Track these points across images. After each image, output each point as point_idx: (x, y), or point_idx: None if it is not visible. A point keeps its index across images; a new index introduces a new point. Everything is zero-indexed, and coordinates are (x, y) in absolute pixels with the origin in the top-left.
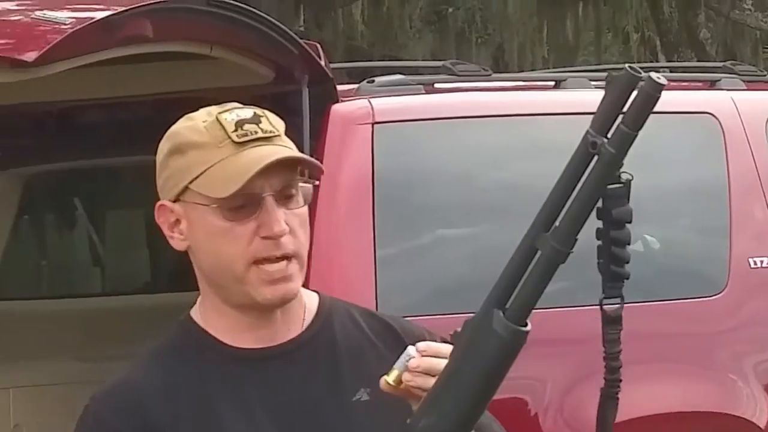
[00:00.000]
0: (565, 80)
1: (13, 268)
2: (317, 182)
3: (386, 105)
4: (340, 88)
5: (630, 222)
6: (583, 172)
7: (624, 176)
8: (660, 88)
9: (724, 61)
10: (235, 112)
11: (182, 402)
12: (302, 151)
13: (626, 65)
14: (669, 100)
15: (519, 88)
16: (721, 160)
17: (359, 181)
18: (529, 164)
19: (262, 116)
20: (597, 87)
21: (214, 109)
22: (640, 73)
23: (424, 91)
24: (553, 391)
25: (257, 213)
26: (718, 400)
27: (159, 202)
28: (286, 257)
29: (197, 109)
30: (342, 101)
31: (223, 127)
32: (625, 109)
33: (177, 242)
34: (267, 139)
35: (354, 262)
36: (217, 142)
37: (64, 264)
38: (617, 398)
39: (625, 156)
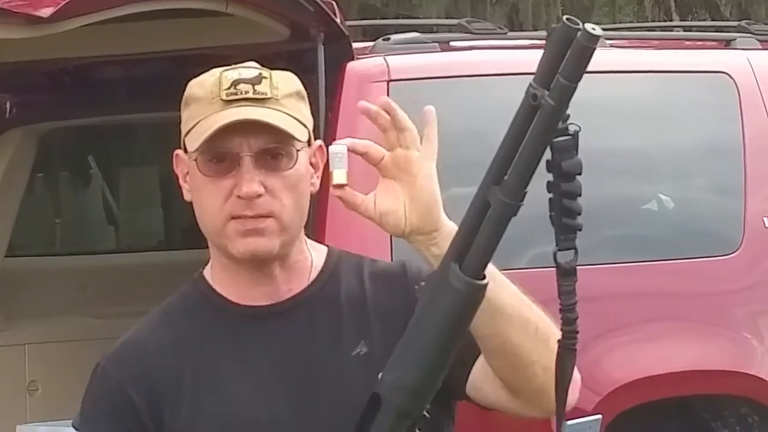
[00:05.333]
0: None
1: (28, 224)
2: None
3: (402, 63)
4: (355, 45)
5: (580, 174)
6: (529, 125)
7: (572, 128)
8: (594, 39)
9: (739, 21)
10: (238, 71)
11: (186, 358)
12: (317, 109)
13: (564, 17)
14: (684, 59)
15: (535, 47)
16: (735, 119)
17: (375, 139)
18: None
19: (265, 78)
20: (613, 46)
21: (226, 67)
22: (578, 25)
23: (439, 49)
24: None
25: (234, 171)
26: (733, 359)
27: (175, 151)
28: (261, 217)
29: (212, 67)
30: (357, 59)
31: (221, 84)
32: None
33: (185, 192)
34: (257, 101)
35: (370, 224)
36: (210, 98)
37: (78, 221)
38: (575, 350)
39: (566, 108)
